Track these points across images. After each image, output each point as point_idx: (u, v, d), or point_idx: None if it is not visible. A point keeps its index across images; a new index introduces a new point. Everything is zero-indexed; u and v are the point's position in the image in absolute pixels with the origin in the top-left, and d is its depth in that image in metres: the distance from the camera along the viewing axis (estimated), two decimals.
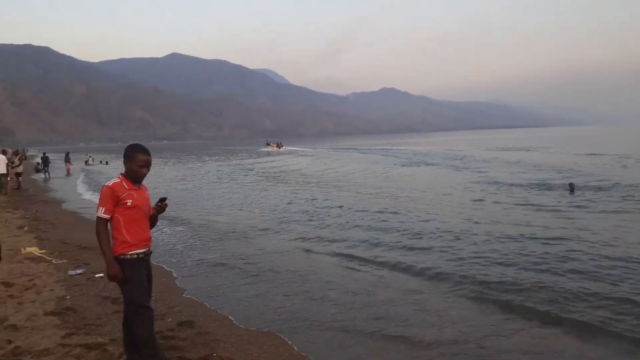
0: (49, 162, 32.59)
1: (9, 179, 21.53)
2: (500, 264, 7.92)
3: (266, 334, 5.20)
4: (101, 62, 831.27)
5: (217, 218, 13.63)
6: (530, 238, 9.69)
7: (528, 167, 28.28)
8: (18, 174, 22.52)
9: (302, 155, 57.58)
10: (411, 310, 5.94)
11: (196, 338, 4.91)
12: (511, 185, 19.15)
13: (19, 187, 22.06)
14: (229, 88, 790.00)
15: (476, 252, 8.67)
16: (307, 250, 9.41)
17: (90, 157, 51.98)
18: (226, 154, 74.00)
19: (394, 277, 7.49)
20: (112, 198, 3.70)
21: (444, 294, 6.62)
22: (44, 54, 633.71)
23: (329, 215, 13.36)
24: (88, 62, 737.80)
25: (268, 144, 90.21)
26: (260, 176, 29.09)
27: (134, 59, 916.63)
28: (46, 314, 5.46)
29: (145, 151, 3.86)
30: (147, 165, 3.86)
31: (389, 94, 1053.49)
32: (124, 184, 3.78)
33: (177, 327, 5.24)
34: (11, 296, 6.07)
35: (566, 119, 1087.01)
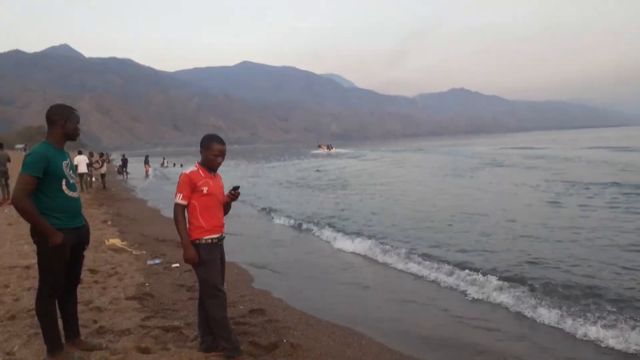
0: (127, 164, 34.69)
1: (94, 179, 23.10)
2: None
3: (335, 324, 5.14)
4: (177, 72, 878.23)
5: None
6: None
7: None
8: (102, 175, 24.11)
9: (349, 158, 57.64)
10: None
11: (267, 325, 4.92)
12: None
13: (104, 187, 23.58)
14: (296, 93, 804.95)
15: None
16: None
17: (164, 159, 55.07)
18: (291, 156, 74.79)
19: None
20: (189, 185, 3.80)
21: None
22: (126, 65, 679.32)
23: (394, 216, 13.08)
24: (165, 72, 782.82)
25: (319, 146, 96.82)
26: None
27: (207, 67, 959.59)
28: (127, 298, 5.71)
29: (220, 141, 3.96)
30: (222, 154, 3.94)
31: (458, 95, 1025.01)
32: (201, 172, 3.87)
33: (249, 314, 5.29)
34: (96, 282, 6.42)
35: None
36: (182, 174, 3.85)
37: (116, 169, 39.75)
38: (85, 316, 4.90)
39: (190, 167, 3.92)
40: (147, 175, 36.62)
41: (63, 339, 3.90)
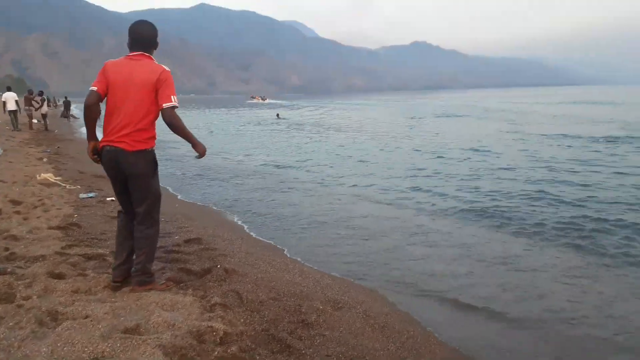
0: (70, 106, 33.26)
1: (34, 120, 21.66)
2: None
3: (279, 253, 4.91)
4: (130, 13, 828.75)
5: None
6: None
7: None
8: (44, 115, 22.60)
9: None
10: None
11: (202, 253, 4.62)
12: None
13: (46, 129, 22.15)
14: (257, 41, 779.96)
15: None
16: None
17: None
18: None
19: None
20: None
21: None
22: (72, 3, 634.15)
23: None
24: (117, 12, 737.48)
25: (253, 97, 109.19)
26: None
27: (161, 9, 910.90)
28: (50, 227, 5.22)
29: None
30: None
31: (420, 48, 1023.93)
32: None
33: (183, 244, 4.96)
34: (17, 212, 5.87)
35: (601, 78, 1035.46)
36: (167, 71, 3.37)
37: (60, 114, 37.67)
38: None
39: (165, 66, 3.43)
40: None
41: None
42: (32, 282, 3.47)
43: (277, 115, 38.10)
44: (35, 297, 3.24)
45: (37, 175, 8.75)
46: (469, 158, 13.05)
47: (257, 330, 3.04)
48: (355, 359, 2.77)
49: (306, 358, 2.74)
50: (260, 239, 5.81)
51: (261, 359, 2.71)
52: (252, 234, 6.12)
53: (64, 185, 8.22)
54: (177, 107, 3.34)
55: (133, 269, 3.53)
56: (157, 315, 3.09)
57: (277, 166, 12.59)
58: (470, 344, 3.29)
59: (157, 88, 3.28)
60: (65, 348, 2.57)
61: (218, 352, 2.72)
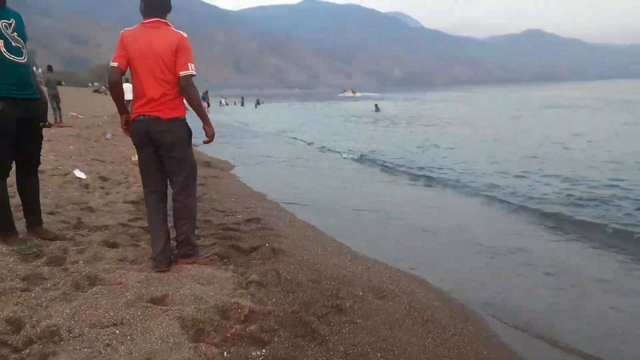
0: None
1: None
2: None
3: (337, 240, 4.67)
4: (241, 10, 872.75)
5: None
6: None
7: None
8: None
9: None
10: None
11: (257, 232, 4.54)
12: None
13: None
14: (360, 34, 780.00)
15: None
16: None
17: (224, 98, 56.19)
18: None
19: None
20: None
21: None
22: (190, 3, 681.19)
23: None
24: (230, 11, 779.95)
25: (345, 91, 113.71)
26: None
27: (271, 6, 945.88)
28: (125, 202, 5.49)
29: None
30: None
31: (533, 37, 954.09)
32: None
33: (244, 222, 4.91)
34: (102, 187, 6.27)
35: None
36: (184, 37, 3.29)
37: None
38: (73, 214, 4.69)
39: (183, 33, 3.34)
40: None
41: (25, 226, 3.66)
42: (85, 249, 3.60)
43: (376, 106, 37.11)
44: (81, 262, 3.35)
45: (133, 157, 9.36)
46: None
47: (286, 312, 2.85)
48: (381, 351, 2.46)
49: (329, 345, 2.49)
50: (323, 228, 5.39)
51: (280, 340, 2.51)
52: (321, 224, 5.70)
53: None
54: (194, 75, 3.26)
55: (176, 241, 3.51)
56: (188, 287, 3.04)
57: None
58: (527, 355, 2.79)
59: (176, 56, 3.19)
60: (87, 312, 2.59)
61: (236, 330, 2.58)
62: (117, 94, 3.31)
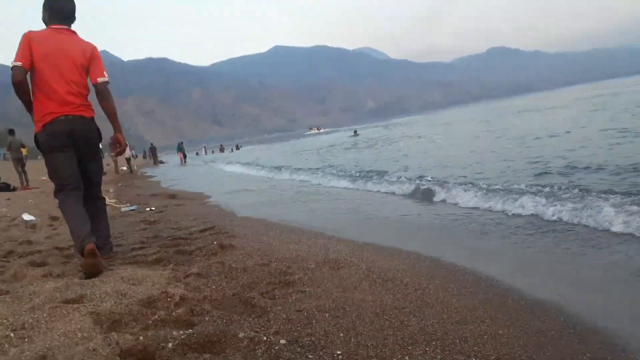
0: (155, 152, 36.00)
1: (122, 168, 23.39)
2: None
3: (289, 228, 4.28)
4: (213, 65, 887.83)
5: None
6: None
7: None
8: (127, 159, 24.11)
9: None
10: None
11: (210, 237, 4.14)
12: None
13: (130, 172, 23.55)
14: (331, 72, 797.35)
15: None
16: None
17: (204, 147, 56.74)
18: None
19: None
20: None
21: None
22: (163, 64, 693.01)
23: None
24: (201, 66, 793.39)
25: (311, 129, 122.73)
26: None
27: (240, 57, 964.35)
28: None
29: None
30: None
31: (498, 53, 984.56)
32: None
33: (198, 232, 4.51)
34: (50, 225, 5.86)
35: None
36: (96, 48, 3.37)
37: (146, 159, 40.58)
38: (7, 247, 4.26)
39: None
40: (182, 163, 36.42)
41: None
42: (4, 271, 3.18)
43: (355, 132, 39.14)
44: None
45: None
46: None
47: (226, 295, 2.45)
48: (330, 311, 2.06)
49: (269, 315, 2.10)
50: (292, 224, 5.07)
51: (212, 319, 2.11)
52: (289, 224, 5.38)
53: (118, 206, 8.28)
54: (108, 82, 3.29)
55: (99, 239, 3.27)
56: (111, 286, 2.62)
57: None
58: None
59: (90, 64, 3.22)
60: None
61: (159, 316, 2.17)
62: (24, 91, 3.16)
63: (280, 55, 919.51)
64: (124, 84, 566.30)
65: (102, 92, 3.21)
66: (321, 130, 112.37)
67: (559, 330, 1.91)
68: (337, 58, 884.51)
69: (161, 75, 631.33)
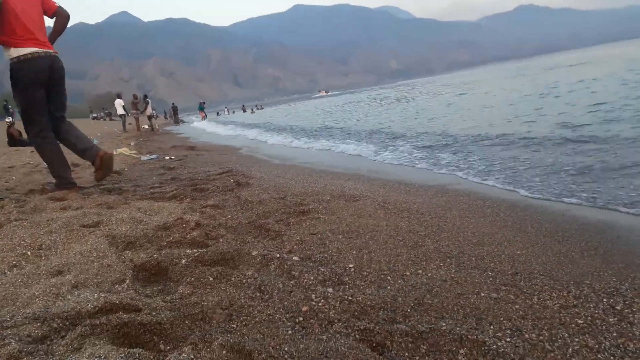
0: (177, 112, 36.07)
1: (145, 126, 23.51)
2: None
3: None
4: (233, 25, 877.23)
5: None
6: None
7: None
8: (149, 117, 24.15)
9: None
10: None
11: (227, 178, 4.13)
12: None
13: (152, 129, 23.68)
14: (353, 32, 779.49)
15: None
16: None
17: (226, 107, 56.92)
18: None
19: None
20: None
21: None
22: (183, 25, 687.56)
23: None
24: (221, 27, 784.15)
25: (319, 91, 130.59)
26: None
27: (260, 17, 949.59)
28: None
29: None
30: None
31: (526, 12, 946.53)
32: None
33: (215, 175, 4.52)
34: (73, 170, 5.92)
35: None
36: None
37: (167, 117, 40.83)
38: (30, 187, 4.34)
39: None
40: (202, 119, 36.88)
41: None
42: (25, 203, 3.23)
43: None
44: (15, 211, 2.96)
45: (114, 150, 9.05)
46: None
47: (241, 223, 2.45)
48: (344, 233, 2.04)
49: (283, 238, 2.08)
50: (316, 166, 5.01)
51: (226, 241, 2.11)
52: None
53: (138, 156, 8.37)
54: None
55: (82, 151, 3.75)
56: (128, 214, 2.64)
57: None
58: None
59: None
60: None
61: (174, 238, 2.18)
62: None
63: (300, 15, 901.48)
64: (144, 45, 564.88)
65: (64, 14, 3.56)
66: (329, 93, 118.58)
67: (580, 252, 1.85)
68: (359, 17, 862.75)
69: (181, 37, 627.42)
